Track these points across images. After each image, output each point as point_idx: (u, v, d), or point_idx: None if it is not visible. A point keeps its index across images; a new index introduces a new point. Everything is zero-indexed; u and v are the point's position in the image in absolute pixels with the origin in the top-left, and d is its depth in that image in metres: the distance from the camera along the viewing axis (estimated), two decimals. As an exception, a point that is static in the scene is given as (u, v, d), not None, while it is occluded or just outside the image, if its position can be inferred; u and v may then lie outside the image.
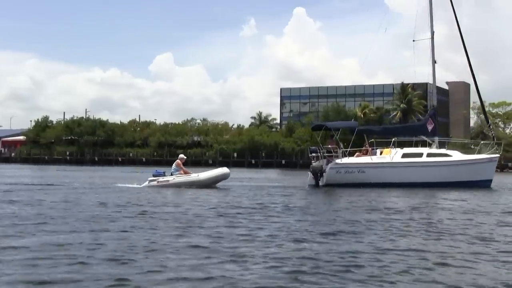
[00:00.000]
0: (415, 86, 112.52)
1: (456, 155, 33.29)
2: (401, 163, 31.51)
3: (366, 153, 32.45)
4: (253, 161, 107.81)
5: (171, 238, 10.89)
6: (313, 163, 31.62)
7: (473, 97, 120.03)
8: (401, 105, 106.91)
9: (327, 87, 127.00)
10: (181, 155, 28.71)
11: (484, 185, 32.03)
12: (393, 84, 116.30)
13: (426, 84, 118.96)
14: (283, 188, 29.78)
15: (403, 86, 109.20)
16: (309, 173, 32.14)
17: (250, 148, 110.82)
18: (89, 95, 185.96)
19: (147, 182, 27.04)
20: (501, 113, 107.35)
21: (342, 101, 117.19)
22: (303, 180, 34.14)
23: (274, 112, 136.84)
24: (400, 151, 32.32)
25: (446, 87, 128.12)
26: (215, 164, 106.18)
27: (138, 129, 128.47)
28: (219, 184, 27.99)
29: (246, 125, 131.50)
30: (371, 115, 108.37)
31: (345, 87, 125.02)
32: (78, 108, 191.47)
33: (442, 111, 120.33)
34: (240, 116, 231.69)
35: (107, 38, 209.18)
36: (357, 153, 32.64)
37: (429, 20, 37.19)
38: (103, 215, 14.76)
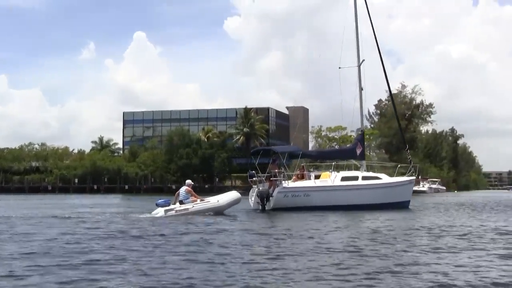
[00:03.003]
0: (258, 110, 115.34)
1: (385, 178, 34.74)
2: (342, 186, 32.30)
3: (302, 177, 32.70)
4: (95, 187, 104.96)
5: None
6: (259, 187, 31.23)
7: (312, 121, 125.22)
8: (244, 129, 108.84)
9: (171, 111, 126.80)
10: (189, 181, 26.92)
11: (404, 206, 33.72)
12: (236, 109, 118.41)
13: (268, 108, 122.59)
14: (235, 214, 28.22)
15: (246, 111, 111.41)
16: (254, 197, 31.63)
17: (92, 173, 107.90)
18: None
19: (161, 212, 24.51)
20: (337, 137, 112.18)
21: (186, 125, 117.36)
22: None
23: (116, 137, 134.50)
24: (339, 175, 33.13)
25: (286, 112, 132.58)
26: (55, 191, 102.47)
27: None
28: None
29: (87, 150, 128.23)
30: (215, 139, 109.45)
31: (189, 111, 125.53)
32: None
33: (282, 135, 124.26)
34: (80, 141, 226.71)
35: None
36: (293, 177, 32.75)
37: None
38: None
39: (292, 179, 32.42)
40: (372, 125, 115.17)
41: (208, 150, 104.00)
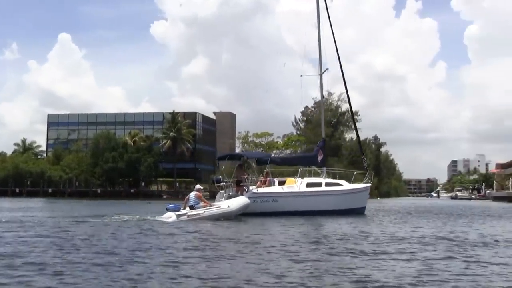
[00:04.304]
0: (185, 115, 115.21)
1: (345, 184, 35.33)
2: (307, 192, 32.77)
3: (265, 183, 32.96)
4: (17, 190, 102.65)
5: None
6: (228, 193, 30.88)
7: (238, 127, 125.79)
8: (171, 134, 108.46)
9: (97, 114, 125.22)
10: (198, 186, 27.10)
11: (361, 212, 34.76)
12: (163, 113, 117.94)
13: (195, 113, 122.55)
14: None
15: (173, 115, 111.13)
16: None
17: (14, 176, 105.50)
18: None
19: (174, 217, 24.41)
20: (264, 143, 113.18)
21: (112, 129, 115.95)
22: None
23: (39, 139, 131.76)
24: (304, 181, 33.49)
25: (213, 117, 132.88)
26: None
27: None
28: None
29: (9, 152, 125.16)
30: (141, 143, 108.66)
31: (115, 114, 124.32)
32: None
33: (209, 140, 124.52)
34: (1, 143, 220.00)
35: None
36: (258, 183, 32.84)
37: (317, 58, 38.56)
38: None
39: (256, 185, 32.66)
40: (298, 132, 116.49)
41: (134, 154, 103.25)
